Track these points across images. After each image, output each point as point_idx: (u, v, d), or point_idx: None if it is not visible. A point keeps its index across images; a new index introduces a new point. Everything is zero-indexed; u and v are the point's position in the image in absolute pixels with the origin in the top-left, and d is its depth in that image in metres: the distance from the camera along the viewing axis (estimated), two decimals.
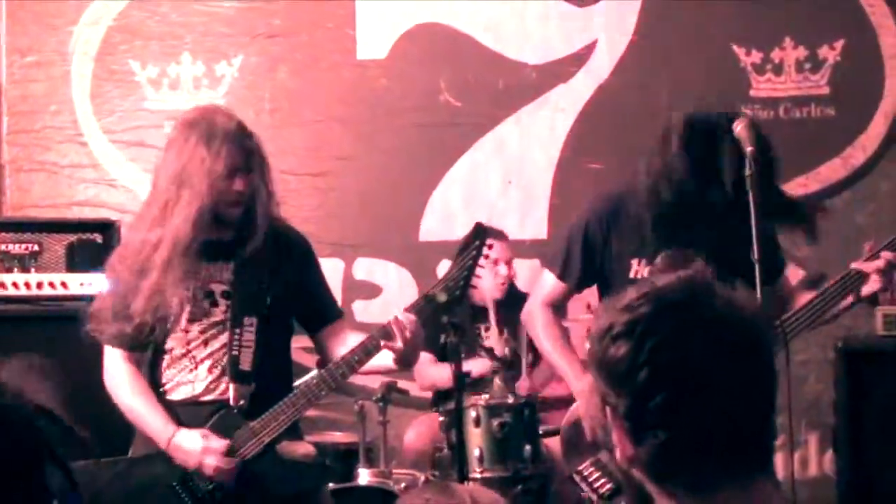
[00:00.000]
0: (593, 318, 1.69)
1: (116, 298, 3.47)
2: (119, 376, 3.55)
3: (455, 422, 3.98)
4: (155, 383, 3.56)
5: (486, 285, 4.94)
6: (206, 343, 3.51)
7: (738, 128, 3.34)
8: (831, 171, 5.81)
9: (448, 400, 4.55)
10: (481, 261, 3.47)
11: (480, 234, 3.50)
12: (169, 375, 3.55)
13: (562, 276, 3.74)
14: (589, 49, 5.92)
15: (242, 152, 3.45)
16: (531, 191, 5.93)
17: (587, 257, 3.68)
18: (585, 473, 3.68)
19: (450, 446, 4.41)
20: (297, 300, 3.59)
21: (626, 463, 1.63)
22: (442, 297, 3.43)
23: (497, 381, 4.55)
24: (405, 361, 3.51)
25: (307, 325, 3.70)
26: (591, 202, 3.80)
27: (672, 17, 5.90)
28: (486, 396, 4.56)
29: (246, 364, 3.47)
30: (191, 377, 3.52)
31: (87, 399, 3.67)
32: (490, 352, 4.79)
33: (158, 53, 6.03)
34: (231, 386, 3.48)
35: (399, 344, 3.39)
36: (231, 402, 3.48)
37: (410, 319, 3.40)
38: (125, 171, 5.99)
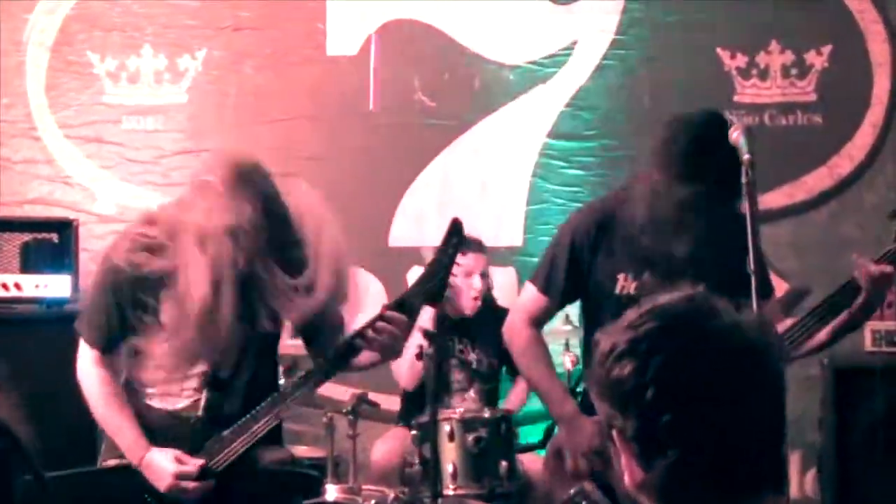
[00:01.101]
0: (595, 346, 1.69)
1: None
2: (91, 378, 3.53)
3: (429, 435, 3.99)
4: (134, 382, 3.54)
5: (462, 298, 4.95)
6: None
7: (735, 134, 3.34)
8: (817, 180, 5.82)
9: (420, 413, 4.58)
10: (458, 259, 3.48)
11: (458, 230, 3.49)
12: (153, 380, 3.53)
13: (545, 291, 3.72)
14: (567, 50, 5.94)
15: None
16: (507, 196, 5.93)
17: (572, 271, 3.66)
18: None
19: (422, 461, 4.41)
20: None
21: (635, 489, 1.64)
22: (419, 299, 3.42)
23: (472, 394, 4.56)
24: (389, 355, 3.53)
25: (303, 334, 3.67)
26: (578, 213, 3.81)
27: (655, 17, 5.92)
28: (461, 410, 4.57)
29: (225, 370, 3.47)
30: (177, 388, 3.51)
31: (42, 409, 3.64)
32: (467, 365, 4.79)
33: (118, 45, 6.03)
34: (204, 393, 3.46)
35: (385, 340, 3.38)
36: (199, 412, 3.47)
37: (396, 317, 3.38)
38: (82, 168, 5.98)
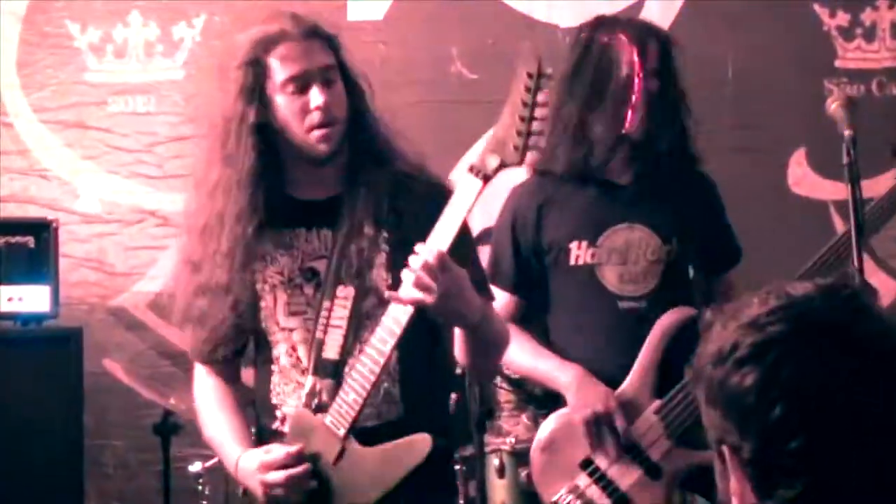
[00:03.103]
0: (703, 330, 1.67)
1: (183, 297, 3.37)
2: (199, 395, 3.46)
3: (475, 471, 3.99)
4: (268, 408, 3.37)
5: None
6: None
7: (833, 106, 3.43)
8: None
9: (465, 444, 4.53)
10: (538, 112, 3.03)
11: (533, 58, 3.05)
12: (279, 394, 3.35)
13: (496, 283, 3.72)
14: (635, 8, 5.89)
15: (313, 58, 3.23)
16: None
17: (518, 254, 3.85)
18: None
19: (467, 502, 4.42)
20: None
21: None
22: (493, 162, 3.00)
23: (524, 418, 4.53)
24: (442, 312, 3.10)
25: None
26: (512, 193, 3.96)
27: None
28: (512, 440, 4.51)
29: (333, 350, 3.26)
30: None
31: (18, 445, 3.66)
32: (517, 384, 4.75)
33: (102, 13, 6.02)
34: (309, 379, 3.25)
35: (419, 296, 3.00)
36: (303, 401, 3.25)
37: (434, 254, 2.98)
38: (60, 158, 5.99)
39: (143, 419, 5.38)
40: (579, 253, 3.78)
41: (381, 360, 3.08)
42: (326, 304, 3.24)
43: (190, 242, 3.35)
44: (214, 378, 3.45)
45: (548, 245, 3.83)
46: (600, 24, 3.94)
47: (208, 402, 3.44)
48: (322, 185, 3.31)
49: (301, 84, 3.19)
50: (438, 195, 3.16)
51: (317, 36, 3.26)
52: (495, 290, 3.68)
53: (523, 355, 3.88)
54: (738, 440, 1.58)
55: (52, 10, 6.04)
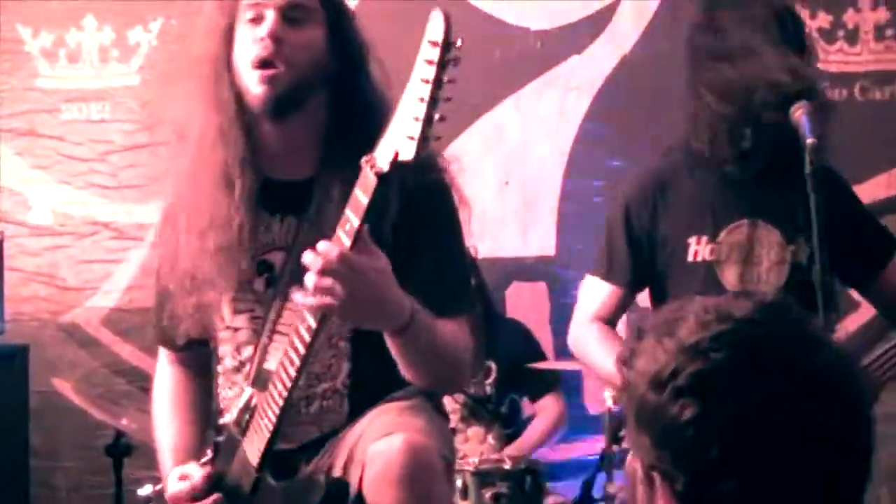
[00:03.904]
0: (634, 337, 1.64)
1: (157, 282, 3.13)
2: (156, 388, 3.26)
3: None
4: (216, 410, 3.14)
5: None
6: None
7: (797, 113, 3.33)
8: None
9: None
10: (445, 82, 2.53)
11: (441, 21, 2.56)
12: (225, 399, 3.11)
13: (607, 278, 3.71)
14: (609, 11, 5.86)
15: None
16: (535, 194, 5.84)
17: (634, 248, 3.68)
18: None
19: None
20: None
21: None
22: (387, 156, 2.46)
23: (490, 438, 4.51)
24: (353, 317, 2.75)
25: None
26: (628, 182, 3.84)
27: None
28: (476, 460, 4.48)
29: (275, 360, 2.93)
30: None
31: None
32: (481, 402, 4.72)
33: (55, 17, 6.00)
34: (247, 391, 3.00)
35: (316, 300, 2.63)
36: (234, 416, 3.02)
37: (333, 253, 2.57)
38: (11, 168, 5.95)
39: (95, 440, 5.28)
40: (698, 248, 3.63)
41: (289, 384, 2.79)
42: (276, 304, 2.96)
43: (194, 200, 2.97)
44: (175, 367, 3.24)
45: (664, 238, 3.68)
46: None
47: (161, 399, 3.23)
48: (294, 162, 2.96)
49: (257, 13, 2.87)
50: (429, 194, 2.82)
51: None
52: (603, 284, 3.71)
53: (601, 359, 3.66)
54: (672, 471, 1.54)
55: (2, 13, 6.02)
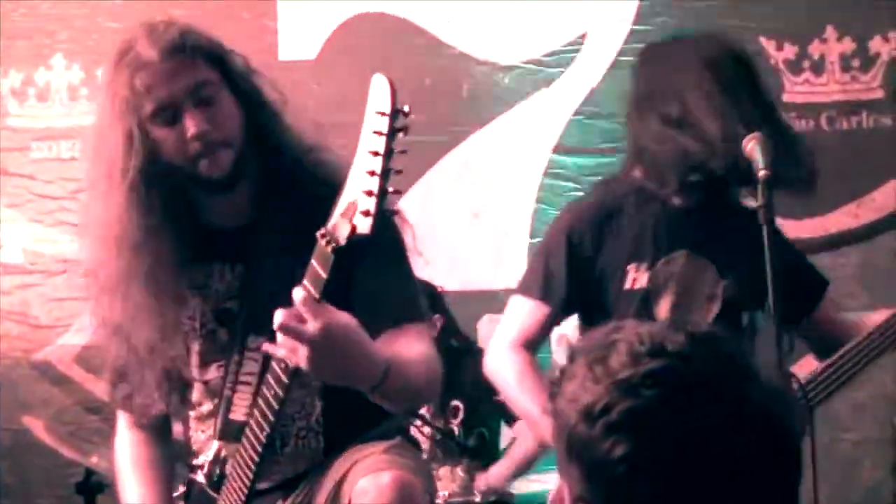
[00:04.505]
0: (567, 360, 1.61)
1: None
2: (117, 450, 3.27)
3: None
4: (188, 450, 3.16)
5: None
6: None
7: (749, 145, 3.35)
8: (887, 196, 5.75)
9: None
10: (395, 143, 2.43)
11: (386, 89, 2.48)
12: (196, 441, 3.13)
13: (544, 298, 3.65)
14: (576, 45, 5.87)
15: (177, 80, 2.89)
16: (506, 226, 5.84)
17: (573, 271, 3.64)
18: None
19: None
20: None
21: None
22: (344, 231, 2.47)
23: (459, 471, 4.47)
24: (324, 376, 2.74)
25: None
26: (571, 208, 3.82)
27: (681, 3, 5.85)
28: (445, 494, 4.44)
29: (240, 411, 2.97)
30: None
31: None
32: (448, 434, 4.68)
33: (23, 56, 5.96)
34: (214, 445, 3.03)
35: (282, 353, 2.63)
36: (202, 474, 3.04)
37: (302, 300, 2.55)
38: None
39: (67, 478, 5.20)
40: (636, 276, 3.64)
41: (259, 447, 2.82)
42: (236, 356, 2.98)
43: (100, 303, 3.06)
44: (136, 432, 3.24)
45: (604, 266, 3.67)
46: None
47: (123, 460, 3.24)
48: (234, 211, 3.01)
49: (170, 114, 2.88)
50: None
51: (182, 50, 2.89)
52: (533, 305, 3.63)
53: (533, 401, 3.58)
54: None
55: None
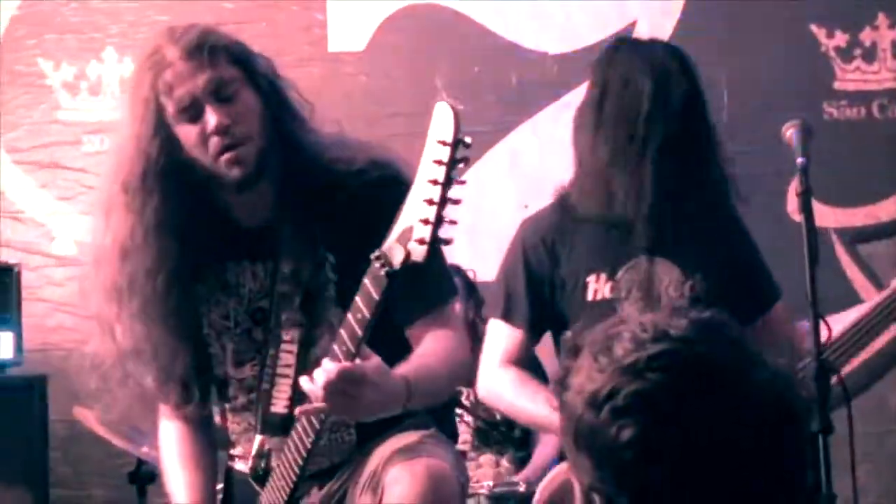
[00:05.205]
0: (567, 355, 1.62)
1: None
2: (161, 442, 3.27)
3: None
4: (227, 441, 3.20)
5: None
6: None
7: (788, 133, 3.38)
8: None
9: None
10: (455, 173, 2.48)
11: (449, 118, 2.49)
12: (234, 433, 3.17)
13: (508, 320, 3.62)
14: (626, 33, 5.80)
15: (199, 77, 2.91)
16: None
17: (534, 290, 3.60)
18: None
19: None
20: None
21: None
22: (398, 256, 2.54)
23: (504, 462, 4.47)
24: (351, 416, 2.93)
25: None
26: (525, 222, 3.79)
27: None
28: (490, 483, 4.45)
29: (281, 403, 3.02)
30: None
31: None
32: (493, 424, 4.67)
33: (76, 49, 5.99)
34: (257, 440, 3.05)
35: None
36: (246, 467, 3.07)
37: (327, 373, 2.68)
38: (35, 200, 5.95)
39: (120, 468, 5.26)
40: (597, 287, 3.56)
41: (304, 454, 2.89)
42: (272, 350, 3.01)
43: (99, 302, 3.08)
44: (176, 422, 3.24)
45: (563, 278, 3.60)
46: (616, 50, 3.72)
47: (167, 452, 3.26)
48: (258, 209, 3.03)
49: (193, 111, 2.89)
50: (387, 191, 2.76)
51: (203, 50, 2.92)
52: (505, 327, 3.62)
53: (535, 404, 3.52)
54: (612, 492, 1.54)
55: (23, 48, 6.01)
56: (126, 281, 2.98)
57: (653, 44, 3.77)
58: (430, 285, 2.96)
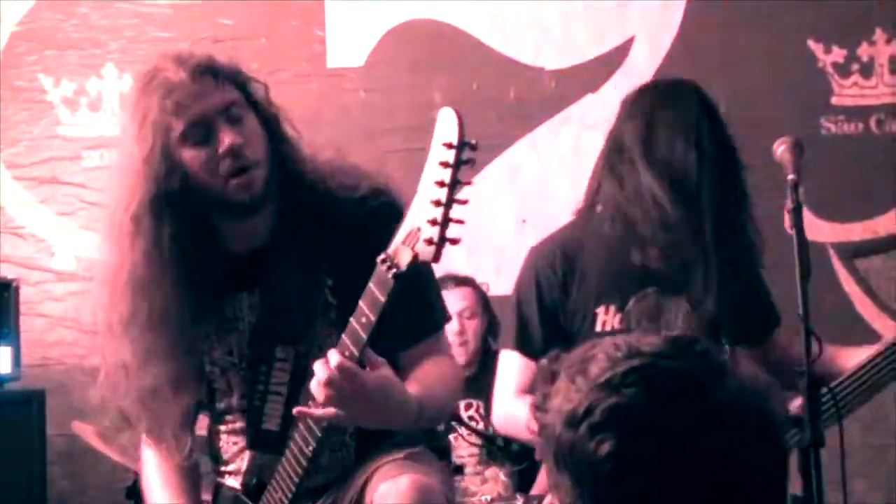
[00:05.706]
0: (543, 379, 1.63)
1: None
2: (144, 470, 3.23)
3: None
4: (218, 458, 3.18)
5: None
6: None
7: (780, 150, 3.37)
8: None
9: None
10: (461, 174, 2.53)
11: (454, 122, 2.51)
12: (226, 451, 3.15)
13: (521, 350, 3.58)
14: (623, 49, 5.87)
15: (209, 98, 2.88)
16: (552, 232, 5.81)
17: (547, 320, 3.55)
18: None
19: None
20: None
21: None
22: (406, 258, 2.55)
23: (501, 476, 4.46)
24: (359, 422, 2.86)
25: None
26: (534, 250, 3.71)
27: (729, 5, 5.84)
28: (488, 498, 4.43)
29: (272, 421, 3.00)
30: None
31: None
32: (490, 441, 4.65)
33: (75, 65, 6.00)
34: (247, 456, 3.05)
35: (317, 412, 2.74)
36: (237, 482, 3.07)
37: (338, 366, 2.65)
38: (35, 215, 5.94)
39: (119, 482, 5.24)
40: (606, 318, 3.54)
41: (304, 464, 2.86)
42: (264, 367, 2.98)
43: (110, 343, 3.04)
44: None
45: (573, 308, 3.56)
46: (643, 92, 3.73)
47: (152, 480, 3.21)
48: (252, 235, 3.01)
49: (202, 132, 2.85)
50: (386, 219, 2.71)
51: (210, 73, 2.89)
52: (519, 358, 3.58)
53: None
54: None
55: (23, 63, 6.01)
56: (137, 316, 2.94)
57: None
58: (426, 311, 2.99)
